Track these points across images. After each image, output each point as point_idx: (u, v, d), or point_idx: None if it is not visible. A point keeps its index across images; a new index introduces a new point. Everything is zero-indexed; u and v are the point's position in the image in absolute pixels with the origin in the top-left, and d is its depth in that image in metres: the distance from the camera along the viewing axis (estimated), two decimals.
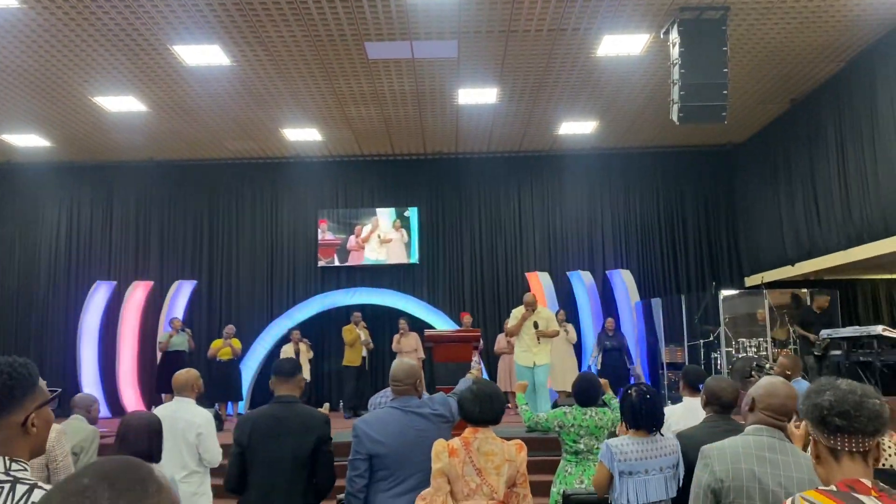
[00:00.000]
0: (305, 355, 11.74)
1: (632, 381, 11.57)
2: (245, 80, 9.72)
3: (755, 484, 2.45)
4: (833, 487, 1.77)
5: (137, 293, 12.71)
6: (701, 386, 4.99)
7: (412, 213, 13.25)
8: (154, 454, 3.40)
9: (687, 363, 10.97)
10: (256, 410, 3.79)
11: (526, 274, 13.02)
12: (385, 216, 13.24)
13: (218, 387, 11.49)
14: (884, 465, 4.05)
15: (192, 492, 4.35)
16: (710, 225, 13.37)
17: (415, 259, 13.18)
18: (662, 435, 3.57)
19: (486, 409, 3.39)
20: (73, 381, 12.18)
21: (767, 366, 7.78)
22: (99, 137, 11.96)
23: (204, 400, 12.01)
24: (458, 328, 11.35)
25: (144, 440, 3.38)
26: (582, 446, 4.55)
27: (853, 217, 9.50)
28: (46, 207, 13.45)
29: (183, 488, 3.76)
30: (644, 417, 3.48)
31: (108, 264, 13.30)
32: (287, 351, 11.65)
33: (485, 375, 12.15)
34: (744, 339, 10.84)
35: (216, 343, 11.56)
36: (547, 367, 8.32)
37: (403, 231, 13.18)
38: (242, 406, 12.11)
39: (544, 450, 6.94)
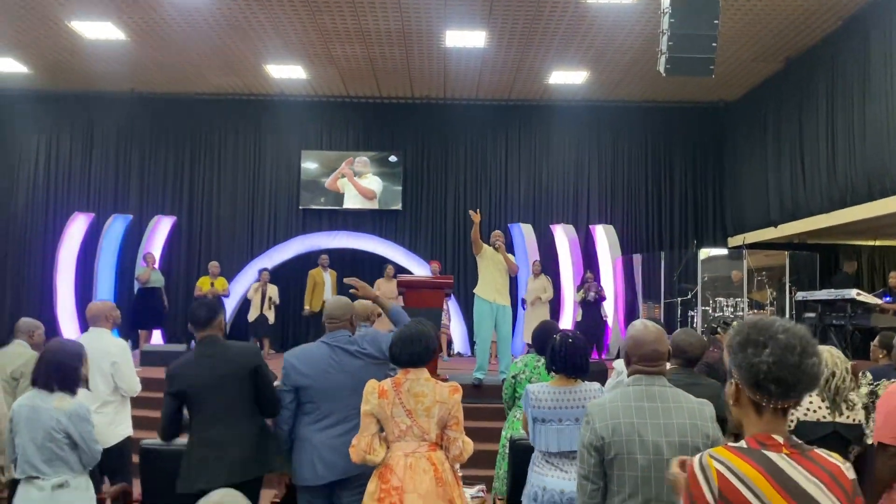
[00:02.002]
0: (271, 299, 11.62)
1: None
2: (225, 10, 9.43)
3: (635, 437, 2.39)
4: (744, 444, 1.68)
5: (116, 226, 12.57)
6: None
7: (397, 158, 13.07)
8: (67, 382, 3.41)
9: (663, 321, 10.97)
10: (182, 360, 3.65)
11: (510, 226, 12.90)
12: (365, 162, 13.06)
13: None
14: (851, 419, 4.01)
15: (107, 422, 4.30)
16: (696, 183, 13.22)
17: (398, 205, 13.06)
18: (584, 383, 3.50)
19: (406, 350, 3.33)
20: (50, 313, 12.12)
21: (735, 323, 7.70)
22: (78, 65, 11.67)
23: (185, 335, 12.12)
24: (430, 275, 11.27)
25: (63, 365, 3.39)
26: None
27: (838, 180, 9.37)
28: (25, 136, 13.21)
29: (97, 419, 3.71)
30: (562, 361, 3.42)
31: (87, 196, 13.14)
32: (256, 289, 11.55)
33: (460, 321, 12.15)
34: (721, 299, 10.81)
35: (202, 281, 11.47)
36: (510, 313, 7.96)
37: (376, 178, 13.03)
38: None
39: (497, 397, 6.89)
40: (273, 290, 11.65)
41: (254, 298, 11.53)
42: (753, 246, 11.48)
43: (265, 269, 11.90)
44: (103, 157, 13.23)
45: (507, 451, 4.41)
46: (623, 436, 2.38)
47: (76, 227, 12.48)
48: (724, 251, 11.80)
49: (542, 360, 4.54)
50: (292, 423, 3.58)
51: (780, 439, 1.65)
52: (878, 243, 12.40)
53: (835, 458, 1.65)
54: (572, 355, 3.44)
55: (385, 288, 11.12)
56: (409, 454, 3.25)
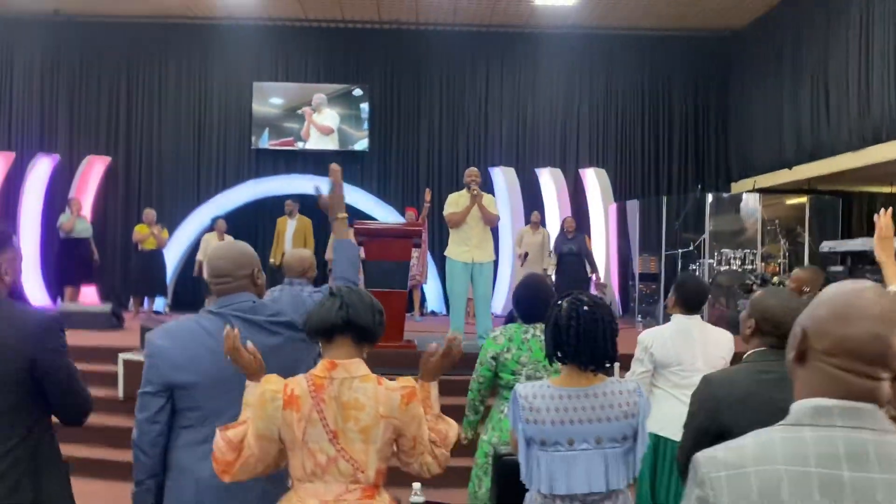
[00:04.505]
0: None
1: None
2: None
3: None
4: None
5: (41, 168, 10.97)
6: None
7: (362, 92, 11.55)
8: None
9: (663, 274, 9.74)
10: None
11: (490, 170, 11.48)
12: (322, 99, 11.50)
13: (140, 278, 10.05)
14: None
15: None
16: (698, 122, 11.89)
17: (363, 146, 11.58)
18: (614, 377, 2.18)
19: (354, 301, 2.00)
20: None
21: (775, 279, 6.47)
22: None
23: (122, 293, 10.71)
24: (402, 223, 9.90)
25: None
26: (523, 379, 3.17)
27: (872, 113, 8.08)
28: None
29: None
30: (574, 344, 2.10)
31: (7, 133, 11.47)
32: (209, 241, 10.10)
33: (434, 277, 10.84)
34: (728, 251, 9.59)
35: (140, 228, 10.01)
36: (490, 269, 6.68)
37: (332, 112, 11.50)
38: (162, 303, 10.68)
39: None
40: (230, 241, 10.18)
41: (207, 247, 9.97)
42: (764, 191, 10.22)
43: (220, 218, 10.41)
44: (26, 88, 11.53)
45: (489, 464, 3.12)
46: None
47: None
48: (732, 197, 10.50)
49: (533, 330, 3.24)
50: (163, 445, 2.22)
51: None
52: None
53: None
54: (592, 333, 2.10)
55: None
56: None
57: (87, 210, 10.70)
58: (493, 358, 3.17)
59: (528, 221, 10.16)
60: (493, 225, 6.64)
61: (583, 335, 2.08)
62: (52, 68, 11.53)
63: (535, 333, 3.22)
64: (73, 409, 2.21)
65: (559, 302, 2.17)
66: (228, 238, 10.11)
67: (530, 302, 3.29)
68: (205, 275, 2.36)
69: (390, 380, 2.04)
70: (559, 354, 2.13)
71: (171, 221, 10.76)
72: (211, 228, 10.47)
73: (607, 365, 2.12)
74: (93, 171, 11.14)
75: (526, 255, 9.62)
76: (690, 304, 3.50)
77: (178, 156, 11.62)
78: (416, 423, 1.99)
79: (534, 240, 9.80)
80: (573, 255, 9.31)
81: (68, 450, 4.91)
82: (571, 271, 9.31)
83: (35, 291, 10.78)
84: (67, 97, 11.56)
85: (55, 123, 11.54)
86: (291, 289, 2.53)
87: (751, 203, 9.79)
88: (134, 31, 11.47)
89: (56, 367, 2.13)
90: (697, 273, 9.48)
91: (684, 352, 3.39)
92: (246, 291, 2.30)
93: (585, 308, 2.11)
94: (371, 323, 2.03)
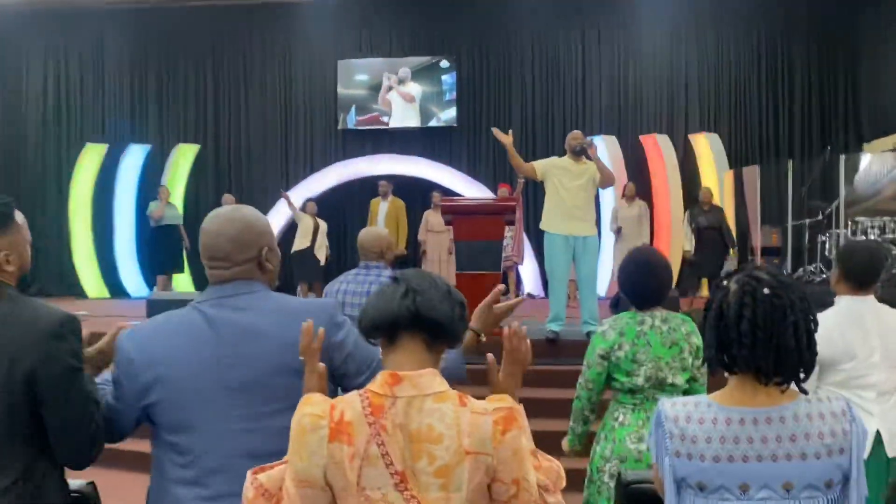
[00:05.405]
0: (324, 234, 9.74)
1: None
2: None
3: None
4: None
5: (134, 157, 11.01)
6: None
7: (449, 64, 10.98)
8: None
9: (790, 248, 8.73)
10: None
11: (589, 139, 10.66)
12: (407, 73, 11.02)
13: None
14: None
15: None
16: (822, 76, 10.63)
17: (448, 119, 11.02)
18: (805, 395, 1.49)
19: (425, 288, 1.43)
20: (67, 256, 10.82)
21: None
22: None
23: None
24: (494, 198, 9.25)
25: None
26: (641, 380, 2.52)
27: None
28: (31, 58, 11.65)
29: None
30: (749, 343, 1.41)
31: (101, 124, 11.58)
32: (308, 225, 9.58)
33: (531, 257, 10.16)
34: (864, 219, 8.47)
35: None
36: (596, 244, 5.82)
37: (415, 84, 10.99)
38: None
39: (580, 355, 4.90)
40: (324, 226, 9.66)
41: (301, 224, 9.45)
42: None
43: (311, 200, 9.98)
44: (116, 80, 11.60)
45: (603, 482, 2.52)
46: None
47: (88, 160, 10.95)
48: (865, 157, 9.32)
49: (650, 319, 2.57)
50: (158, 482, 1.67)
51: None
52: None
53: None
54: (778, 328, 1.42)
55: (434, 220, 9.15)
56: None
57: (178, 197, 10.66)
58: (603, 357, 2.54)
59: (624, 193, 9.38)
60: (611, 184, 6.00)
61: (762, 331, 1.41)
62: (140, 58, 11.54)
63: (654, 324, 2.56)
64: (70, 447, 1.65)
65: (724, 283, 1.50)
66: (323, 223, 9.57)
67: (643, 283, 2.62)
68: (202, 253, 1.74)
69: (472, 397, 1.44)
70: (726, 359, 1.47)
71: (261, 206, 10.23)
72: (301, 208, 10.10)
73: (802, 376, 1.45)
74: (183, 159, 11.08)
75: (619, 230, 8.88)
76: (861, 279, 2.74)
77: (265, 140, 11.45)
78: (517, 460, 1.39)
79: (629, 213, 9.05)
80: (713, 229, 8.45)
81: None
82: (714, 247, 8.45)
83: (131, 281, 10.87)
84: (156, 86, 11.57)
85: (146, 113, 11.59)
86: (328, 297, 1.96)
87: (887, 164, 8.64)
88: (217, 15, 11.31)
89: (59, 386, 1.60)
90: (826, 245, 8.43)
91: (857, 344, 2.65)
92: (250, 280, 1.70)
93: (766, 291, 1.42)
94: (448, 316, 1.44)
